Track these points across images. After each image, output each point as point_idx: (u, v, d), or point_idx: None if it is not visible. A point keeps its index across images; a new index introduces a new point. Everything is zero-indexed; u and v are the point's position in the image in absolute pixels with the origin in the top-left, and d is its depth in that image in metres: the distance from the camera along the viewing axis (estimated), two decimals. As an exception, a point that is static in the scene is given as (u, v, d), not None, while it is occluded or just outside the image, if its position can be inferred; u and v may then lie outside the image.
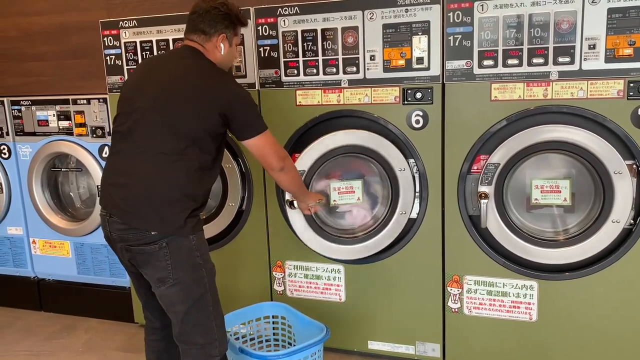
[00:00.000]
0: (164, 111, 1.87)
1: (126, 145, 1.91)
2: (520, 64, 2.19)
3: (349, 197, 2.49)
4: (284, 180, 2.14)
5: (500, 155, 2.25)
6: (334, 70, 2.43)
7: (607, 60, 2.09)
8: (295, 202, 2.42)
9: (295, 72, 2.48)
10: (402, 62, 2.33)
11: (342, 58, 2.41)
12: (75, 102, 3.02)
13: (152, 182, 1.85)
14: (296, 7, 2.42)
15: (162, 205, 1.83)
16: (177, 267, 1.85)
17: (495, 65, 2.22)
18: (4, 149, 3.24)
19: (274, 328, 2.50)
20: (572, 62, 2.13)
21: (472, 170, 2.33)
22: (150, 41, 2.70)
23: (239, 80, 2.28)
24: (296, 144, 2.54)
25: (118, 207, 1.87)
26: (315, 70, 2.46)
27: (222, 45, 2.00)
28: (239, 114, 1.92)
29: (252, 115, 1.96)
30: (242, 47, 2.52)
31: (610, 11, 2.06)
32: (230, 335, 2.27)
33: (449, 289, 2.46)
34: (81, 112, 3.02)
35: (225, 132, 1.97)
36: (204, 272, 1.90)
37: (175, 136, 1.84)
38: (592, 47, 2.10)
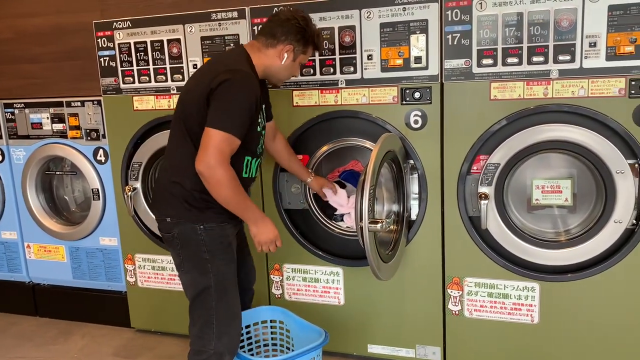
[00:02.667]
0: (179, 101, 2.01)
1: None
2: (520, 63, 2.16)
3: None
4: (212, 190, 1.84)
5: (501, 155, 2.22)
6: (331, 70, 2.39)
7: (608, 58, 2.06)
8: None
9: (292, 72, 2.45)
10: (400, 61, 2.30)
11: (339, 58, 2.38)
12: (69, 104, 2.99)
13: (164, 168, 2.04)
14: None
15: (165, 190, 1.98)
16: (186, 257, 1.98)
17: (495, 64, 2.18)
18: (-3, 152, 3.20)
19: (272, 332, 2.46)
20: (572, 61, 2.10)
21: (471, 171, 2.29)
22: (145, 42, 2.67)
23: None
24: (294, 146, 2.50)
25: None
26: (312, 70, 2.42)
27: (285, 54, 2.01)
28: (215, 99, 1.82)
29: (225, 110, 1.82)
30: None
31: (611, 8, 2.03)
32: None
33: (449, 291, 2.42)
34: (75, 115, 2.98)
35: None
36: (209, 268, 1.95)
37: (182, 123, 1.94)
38: (593, 45, 2.07)
